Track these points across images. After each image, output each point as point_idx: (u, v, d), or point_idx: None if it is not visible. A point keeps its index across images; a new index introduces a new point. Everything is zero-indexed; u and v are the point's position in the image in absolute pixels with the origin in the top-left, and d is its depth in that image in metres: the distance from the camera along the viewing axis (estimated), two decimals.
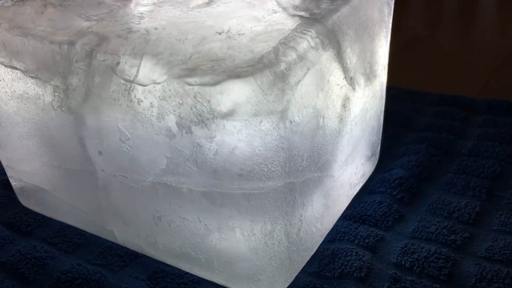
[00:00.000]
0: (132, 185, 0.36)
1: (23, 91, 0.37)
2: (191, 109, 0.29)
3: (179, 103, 0.29)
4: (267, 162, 0.30)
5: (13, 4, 0.38)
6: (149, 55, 0.30)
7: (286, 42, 0.29)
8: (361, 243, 0.41)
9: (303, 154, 0.32)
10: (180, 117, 0.30)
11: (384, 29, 0.40)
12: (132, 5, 0.37)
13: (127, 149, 0.34)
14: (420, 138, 0.56)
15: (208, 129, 0.29)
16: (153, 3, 0.37)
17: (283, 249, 0.34)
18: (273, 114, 0.28)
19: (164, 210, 0.36)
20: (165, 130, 0.31)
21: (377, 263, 0.40)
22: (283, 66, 0.28)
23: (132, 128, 0.33)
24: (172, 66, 0.29)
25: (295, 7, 0.34)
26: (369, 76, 0.39)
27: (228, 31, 0.32)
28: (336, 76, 0.34)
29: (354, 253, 0.40)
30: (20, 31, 0.35)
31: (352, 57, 0.35)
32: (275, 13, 0.33)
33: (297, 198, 0.33)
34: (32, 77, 0.36)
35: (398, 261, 0.40)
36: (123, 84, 0.31)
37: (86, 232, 0.44)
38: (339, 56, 0.33)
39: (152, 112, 0.31)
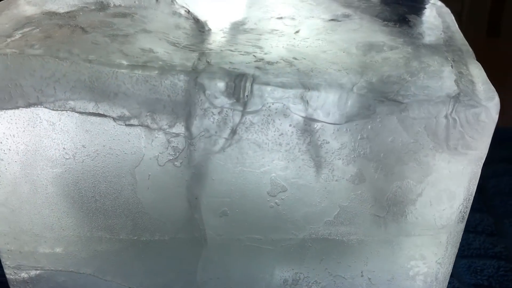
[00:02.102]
0: (266, 248, 0.30)
1: (103, 145, 0.27)
2: None
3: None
4: None
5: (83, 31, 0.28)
6: (335, 84, 0.25)
7: None
8: None
9: None
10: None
11: None
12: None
13: (275, 204, 0.28)
14: None
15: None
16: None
17: None
18: None
19: (307, 271, 0.30)
20: (352, 175, 0.26)
21: None
22: None
23: (295, 177, 0.27)
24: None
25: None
26: None
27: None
28: None
29: None
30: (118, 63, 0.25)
31: None
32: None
33: None
34: (129, 125, 0.26)
35: None
36: (306, 125, 0.25)
37: None
38: None
39: (339, 154, 0.26)
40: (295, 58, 0.28)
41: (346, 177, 0.27)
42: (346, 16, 0.35)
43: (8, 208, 0.30)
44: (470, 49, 0.33)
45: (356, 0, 0.39)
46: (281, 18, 0.34)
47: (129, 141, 0.27)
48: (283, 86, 0.26)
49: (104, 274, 0.32)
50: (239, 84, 0.26)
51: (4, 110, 0.27)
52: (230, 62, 0.27)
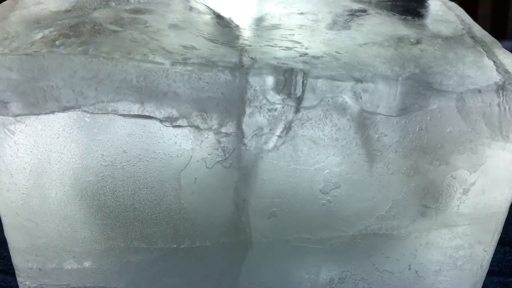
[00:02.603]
0: (314, 247, 0.29)
1: (146, 149, 0.26)
2: None
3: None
4: None
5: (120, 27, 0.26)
6: (383, 76, 0.24)
7: None
8: None
9: None
10: None
11: None
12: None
13: (327, 201, 0.27)
14: None
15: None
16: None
17: None
18: None
19: (354, 268, 0.30)
20: (407, 168, 0.26)
21: None
22: None
23: (350, 172, 0.26)
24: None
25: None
26: None
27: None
28: None
29: None
30: (165, 59, 0.24)
31: None
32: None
33: None
34: (176, 126, 0.25)
35: None
36: (362, 118, 0.25)
37: None
38: None
39: (397, 147, 0.25)
40: (337, 52, 0.28)
41: (401, 170, 0.27)
42: (363, 11, 0.35)
43: (33, 222, 0.28)
44: (494, 39, 0.33)
45: None
46: (302, 13, 0.33)
47: (175, 143, 0.26)
48: (336, 79, 0.25)
49: (137, 287, 0.30)
50: (291, 79, 0.25)
51: (37, 116, 0.25)
52: (275, 58, 0.26)
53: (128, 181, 0.27)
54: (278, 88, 0.25)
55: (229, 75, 0.24)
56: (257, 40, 0.28)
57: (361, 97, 0.25)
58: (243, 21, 0.31)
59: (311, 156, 0.26)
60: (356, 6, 0.36)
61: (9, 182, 0.27)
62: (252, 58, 0.26)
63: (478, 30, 0.34)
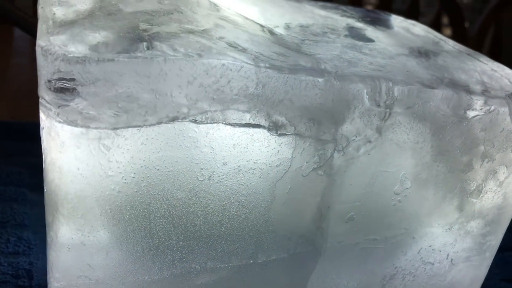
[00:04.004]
0: (379, 247, 0.30)
1: (247, 160, 0.25)
2: None
3: None
4: None
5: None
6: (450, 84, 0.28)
7: None
8: None
9: None
10: None
11: None
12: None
13: (397, 202, 0.29)
14: None
15: None
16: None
17: None
18: None
19: (405, 264, 0.32)
20: (464, 165, 0.29)
21: None
22: None
23: (420, 173, 0.29)
24: None
25: None
26: None
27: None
28: None
29: None
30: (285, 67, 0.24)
31: None
32: None
33: None
34: (282, 134, 0.25)
35: None
36: (441, 121, 0.27)
37: None
38: None
39: (461, 147, 0.29)
40: (391, 60, 0.30)
41: (459, 168, 0.30)
42: (362, 28, 0.38)
43: (104, 253, 0.24)
44: (472, 50, 0.39)
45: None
46: (304, 26, 0.35)
47: (278, 152, 0.25)
48: (426, 85, 0.27)
49: None
50: (380, 87, 0.26)
51: (139, 128, 0.22)
52: (355, 67, 0.27)
53: (222, 196, 0.25)
54: (375, 95, 0.26)
55: (337, 82, 0.25)
56: (321, 51, 0.29)
57: (449, 104, 0.28)
58: (278, 29, 0.32)
59: (394, 159, 0.28)
60: (353, 23, 0.38)
61: (90, 207, 0.23)
62: (336, 66, 0.27)
63: (454, 43, 0.40)
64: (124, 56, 0.21)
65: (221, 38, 0.25)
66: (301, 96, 0.24)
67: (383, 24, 0.41)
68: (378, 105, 0.26)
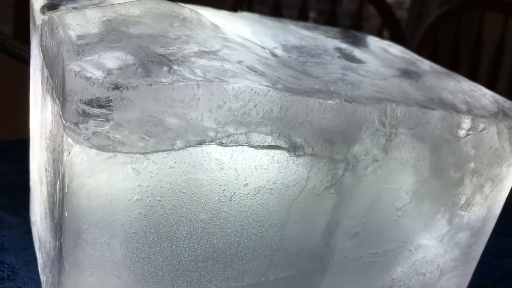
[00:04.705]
0: (379, 260, 0.32)
1: (267, 181, 0.25)
2: None
3: None
4: None
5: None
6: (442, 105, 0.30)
7: None
8: None
9: None
10: None
11: None
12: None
13: (398, 217, 0.31)
14: None
15: None
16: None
17: None
18: None
19: (401, 275, 0.34)
20: (456, 181, 0.31)
21: None
22: None
23: (420, 188, 0.30)
24: None
25: None
26: None
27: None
28: None
29: None
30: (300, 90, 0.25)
31: None
32: None
33: None
34: (299, 155, 0.25)
35: None
36: (440, 140, 0.29)
37: None
38: None
39: (454, 164, 0.31)
40: (386, 83, 0.32)
41: (452, 183, 0.32)
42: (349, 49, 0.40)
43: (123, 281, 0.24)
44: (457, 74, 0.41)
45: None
46: (306, 45, 0.36)
47: (295, 172, 0.26)
48: (419, 106, 0.29)
49: None
50: (386, 108, 0.28)
51: (168, 152, 0.22)
52: (361, 89, 0.29)
53: (241, 216, 0.26)
54: (381, 116, 0.27)
55: (349, 105, 0.26)
56: (324, 73, 0.30)
57: (442, 123, 0.30)
58: (277, 52, 0.33)
59: (397, 176, 0.29)
60: (339, 44, 0.40)
61: (116, 232, 0.23)
62: (345, 89, 0.28)
63: (429, 63, 0.42)
64: (160, 81, 0.21)
65: (240, 61, 0.25)
66: (320, 119, 0.25)
67: (363, 45, 0.43)
68: (384, 126, 0.28)
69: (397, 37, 1.29)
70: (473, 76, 1.41)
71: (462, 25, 1.37)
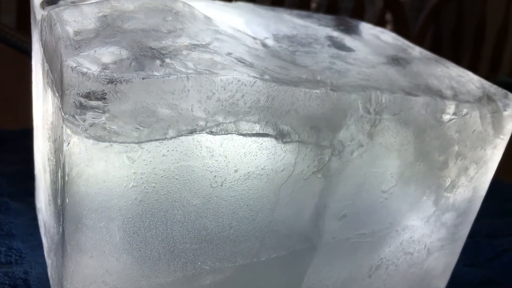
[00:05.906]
0: (368, 241, 0.33)
1: (256, 166, 0.27)
2: None
3: None
4: None
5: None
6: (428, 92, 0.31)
7: None
8: None
9: None
10: None
11: None
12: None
13: (384, 199, 0.32)
14: None
15: None
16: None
17: None
18: None
19: (389, 255, 0.35)
20: (441, 164, 0.33)
21: None
22: None
23: (404, 172, 0.32)
24: None
25: None
26: None
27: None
28: None
29: None
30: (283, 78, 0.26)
31: None
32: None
33: None
34: (287, 142, 0.27)
35: None
36: (424, 125, 0.31)
37: None
38: None
39: (439, 147, 0.32)
40: (372, 69, 0.33)
41: (437, 166, 0.33)
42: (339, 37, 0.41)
43: (120, 261, 0.26)
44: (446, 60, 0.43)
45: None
46: (297, 34, 0.37)
47: (283, 158, 0.27)
48: (411, 94, 0.30)
49: None
50: (370, 96, 0.29)
51: (161, 141, 0.24)
52: (347, 77, 0.30)
53: (232, 200, 0.27)
54: (366, 103, 0.29)
55: (333, 93, 0.27)
56: (315, 62, 0.31)
57: (427, 109, 0.31)
58: (268, 42, 0.34)
59: (383, 160, 0.31)
60: (331, 32, 0.41)
61: (113, 217, 0.24)
62: (331, 78, 0.29)
63: (420, 49, 0.43)
64: (152, 75, 0.23)
65: (229, 53, 0.27)
66: (305, 107, 0.27)
67: (355, 32, 0.44)
68: (369, 112, 0.29)
69: (400, 20, 1.29)
70: (476, 57, 1.41)
71: (465, 7, 1.38)
